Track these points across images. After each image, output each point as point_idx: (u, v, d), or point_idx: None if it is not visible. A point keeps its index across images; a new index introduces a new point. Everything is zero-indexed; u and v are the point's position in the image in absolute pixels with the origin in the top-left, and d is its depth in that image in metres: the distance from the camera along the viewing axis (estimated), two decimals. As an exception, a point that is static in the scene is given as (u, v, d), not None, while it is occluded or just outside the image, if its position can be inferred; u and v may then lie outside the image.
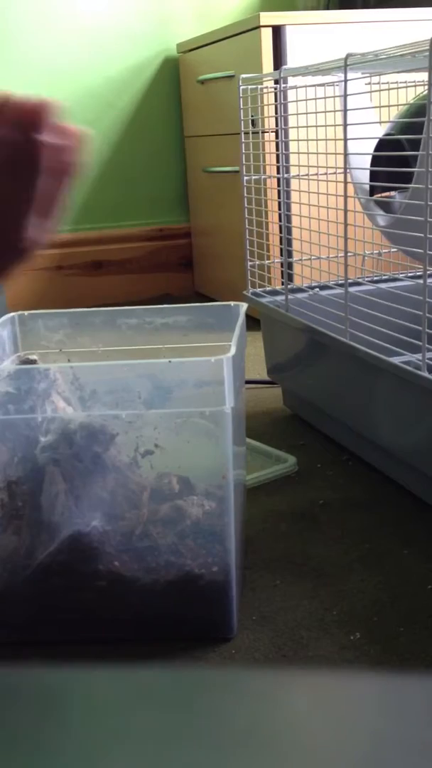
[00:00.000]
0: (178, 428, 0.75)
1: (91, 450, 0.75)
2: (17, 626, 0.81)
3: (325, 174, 1.24)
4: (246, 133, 1.36)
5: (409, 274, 1.35)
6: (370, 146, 1.22)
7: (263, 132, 1.74)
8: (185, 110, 2.38)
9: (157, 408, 0.74)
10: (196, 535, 0.78)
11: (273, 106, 1.49)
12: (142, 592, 0.78)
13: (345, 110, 1.05)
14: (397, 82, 1.31)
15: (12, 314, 0.93)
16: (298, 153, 1.29)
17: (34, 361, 0.86)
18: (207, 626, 0.80)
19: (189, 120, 2.36)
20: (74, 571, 0.77)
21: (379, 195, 1.25)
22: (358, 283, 1.20)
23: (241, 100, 1.33)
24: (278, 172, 1.30)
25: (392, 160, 1.20)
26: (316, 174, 1.26)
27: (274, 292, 1.37)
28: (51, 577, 0.77)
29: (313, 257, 1.29)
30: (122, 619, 0.80)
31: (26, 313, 0.94)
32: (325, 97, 1.20)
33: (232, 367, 0.73)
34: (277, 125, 1.37)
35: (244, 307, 0.91)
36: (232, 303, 0.93)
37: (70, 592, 0.78)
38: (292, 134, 1.42)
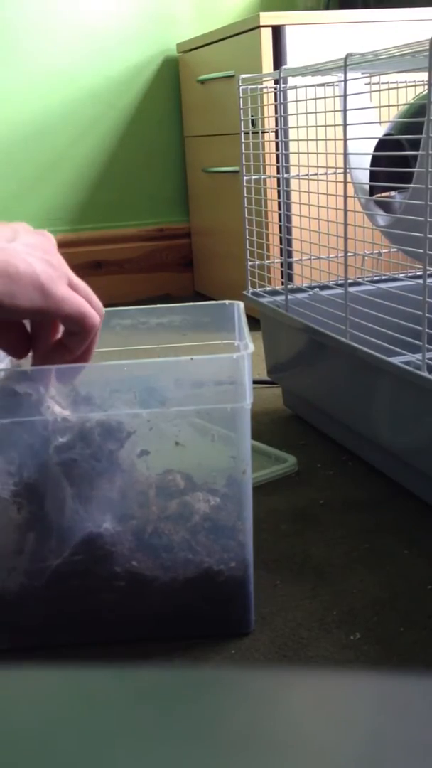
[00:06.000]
0: (198, 426, 0.75)
1: (107, 449, 0.74)
2: (35, 630, 0.80)
3: (325, 174, 1.24)
4: (246, 133, 1.36)
5: (409, 274, 1.35)
6: (370, 146, 1.22)
7: (263, 132, 1.74)
8: (185, 110, 2.38)
9: (176, 406, 0.74)
10: (208, 531, 0.78)
11: (273, 106, 1.49)
12: (162, 591, 0.78)
13: (345, 110, 1.05)
14: (397, 82, 1.31)
15: None
16: (298, 153, 1.29)
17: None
18: (226, 622, 0.80)
19: (189, 120, 2.36)
20: (92, 572, 0.76)
21: (379, 195, 1.25)
22: (358, 283, 1.20)
23: (241, 100, 1.33)
24: (278, 172, 1.30)
25: (392, 160, 1.20)
26: (316, 174, 1.26)
27: (274, 292, 1.37)
28: (69, 579, 0.77)
29: (313, 257, 1.29)
30: (142, 619, 0.80)
31: None
32: (325, 97, 1.20)
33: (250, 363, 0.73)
34: (277, 125, 1.37)
35: (240, 305, 0.91)
36: (227, 302, 0.92)
37: (88, 594, 0.78)
38: (292, 134, 1.42)
